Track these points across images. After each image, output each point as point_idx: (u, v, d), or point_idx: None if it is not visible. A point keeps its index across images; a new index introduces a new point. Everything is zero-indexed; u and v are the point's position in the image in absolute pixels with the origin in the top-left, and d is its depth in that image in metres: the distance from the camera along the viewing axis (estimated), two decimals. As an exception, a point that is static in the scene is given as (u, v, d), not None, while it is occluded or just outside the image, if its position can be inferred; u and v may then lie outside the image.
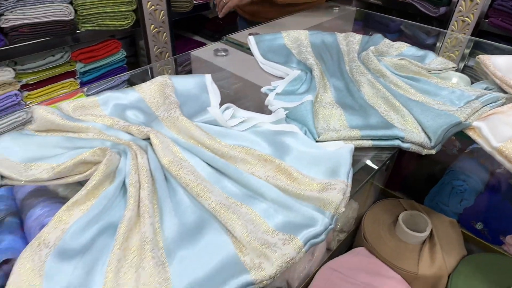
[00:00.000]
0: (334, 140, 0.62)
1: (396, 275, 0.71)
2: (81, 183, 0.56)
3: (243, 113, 0.67)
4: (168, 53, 1.60)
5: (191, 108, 0.67)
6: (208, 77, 0.76)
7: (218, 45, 0.98)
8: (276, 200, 0.48)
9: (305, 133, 0.64)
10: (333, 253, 0.77)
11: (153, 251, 0.41)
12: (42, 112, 0.58)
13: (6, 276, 0.44)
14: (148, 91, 0.70)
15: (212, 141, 0.56)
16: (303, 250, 0.42)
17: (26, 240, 0.51)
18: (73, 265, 0.40)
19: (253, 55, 0.92)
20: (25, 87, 1.34)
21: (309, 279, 0.66)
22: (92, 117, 0.61)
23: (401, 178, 1.02)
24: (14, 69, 1.27)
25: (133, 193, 0.47)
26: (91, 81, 1.53)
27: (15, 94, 1.29)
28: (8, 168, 0.51)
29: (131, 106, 0.66)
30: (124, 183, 0.50)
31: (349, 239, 0.85)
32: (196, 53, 0.93)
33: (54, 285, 0.38)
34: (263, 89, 0.77)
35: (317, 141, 0.61)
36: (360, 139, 0.62)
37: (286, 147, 0.58)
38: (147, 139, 0.57)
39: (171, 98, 0.65)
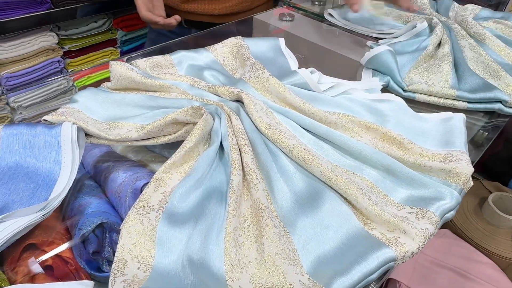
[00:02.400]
0: (425, 94, 0.60)
1: (489, 261, 0.66)
2: (146, 148, 0.52)
3: (328, 79, 0.61)
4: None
5: (271, 71, 0.62)
6: (281, 40, 0.70)
7: (281, 10, 0.91)
8: (392, 170, 0.43)
9: (388, 84, 0.59)
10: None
11: (272, 220, 0.36)
12: (121, 69, 0.53)
13: (99, 240, 0.40)
14: (222, 52, 0.65)
15: (307, 105, 0.50)
16: (439, 224, 0.37)
17: (111, 204, 0.47)
18: (186, 233, 0.36)
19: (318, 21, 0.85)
20: (67, 54, 1.30)
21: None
22: (170, 76, 0.56)
23: (483, 158, 0.96)
24: (57, 34, 1.22)
25: (235, 157, 0.42)
26: (131, 51, 1.48)
27: (58, 61, 1.25)
28: (93, 126, 0.46)
29: (206, 67, 0.61)
30: (220, 146, 0.45)
31: None
32: (259, 17, 0.87)
33: (167, 252, 0.34)
34: (369, 43, 0.75)
35: (405, 91, 0.60)
36: (454, 99, 0.58)
37: (386, 116, 0.52)
38: (236, 101, 0.52)
39: (252, 59, 0.60)
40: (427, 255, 0.62)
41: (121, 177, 0.48)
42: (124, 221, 0.36)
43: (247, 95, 0.50)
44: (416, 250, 0.34)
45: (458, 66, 0.65)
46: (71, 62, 1.30)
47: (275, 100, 0.53)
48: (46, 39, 1.19)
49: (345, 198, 0.40)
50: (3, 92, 1.17)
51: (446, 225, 0.75)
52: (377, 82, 0.59)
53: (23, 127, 0.44)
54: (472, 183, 0.42)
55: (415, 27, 0.75)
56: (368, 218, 0.38)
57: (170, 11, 0.87)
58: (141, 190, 0.42)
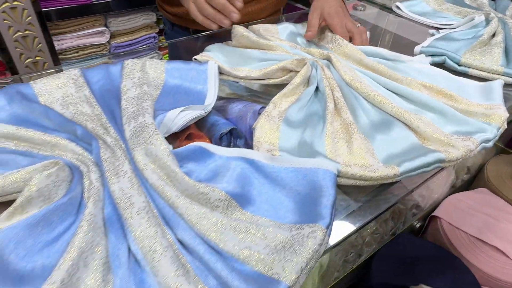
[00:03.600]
0: (477, 69, 0.73)
1: (520, 212, 0.77)
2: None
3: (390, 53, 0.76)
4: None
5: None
6: None
7: (354, 2, 1.07)
8: (444, 113, 0.58)
9: (444, 61, 0.73)
10: (454, 192, 0.86)
11: (357, 130, 0.52)
12: (241, 31, 0.71)
13: (228, 140, 0.58)
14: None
15: (378, 66, 0.66)
16: (478, 147, 0.52)
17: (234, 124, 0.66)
18: (299, 132, 0.53)
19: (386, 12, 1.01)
20: (160, 32, 1.53)
21: (436, 204, 0.76)
22: (275, 39, 0.74)
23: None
24: (156, 14, 1.46)
25: (329, 93, 0.59)
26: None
27: (154, 37, 1.48)
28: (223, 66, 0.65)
29: (300, 35, 0.78)
30: (317, 88, 0.62)
31: (468, 183, 0.92)
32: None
33: (287, 141, 0.51)
34: (430, 31, 0.90)
35: (459, 65, 0.73)
36: (502, 75, 0.70)
37: (438, 79, 0.67)
38: (326, 59, 0.68)
39: (330, 32, 0.76)
40: (466, 202, 0.74)
41: (240, 105, 0.66)
42: (256, 122, 0.54)
43: (334, 55, 0.66)
44: (460, 157, 0.49)
45: (508, 52, 0.77)
46: (162, 38, 1.53)
47: (353, 62, 0.69)
48: (147, 17, 1.42)
49: (408, 127, 0.55)
50: (109, 58, 1.42)
51: (485, 185, 0.87)
52: (425, 58, 0.73)
53: (180, 63, 0.64)
54: (506, 126, 0.56)
55: (473, 19, 0.88)
56: (426, 139, 0.53)
57: (179, 21, 0.95)
58: (259, 113, 0.60)
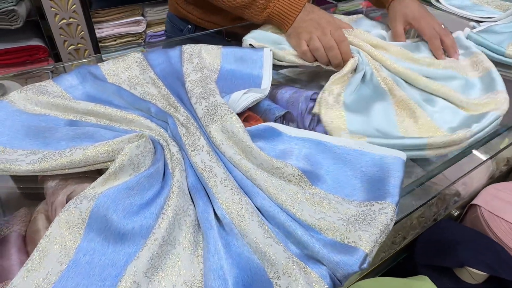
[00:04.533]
0: None
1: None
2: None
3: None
4: None
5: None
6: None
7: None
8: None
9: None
10: (492, 182, 0.87)
11: (417, 106, 0.55)
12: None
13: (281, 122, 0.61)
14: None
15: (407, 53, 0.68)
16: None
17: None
18: (363, 115, 0.55)
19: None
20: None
21: (474, 194, 0.77)
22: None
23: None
24: (190, 5, 1.49)
25: (379, 76, 0.61)
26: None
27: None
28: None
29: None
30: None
31: (506, 175, 0.93)
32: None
33: (354, 125, 0.53)
34: (471, 24, 0.90)
35: (504, 56, 0.75)
36: None
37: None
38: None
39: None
40: (505, 192, 0.76)
41: (289, 91, 0.69)
42: (315, 108, 0.56)
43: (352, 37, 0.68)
44: (504, 112, 0.52)
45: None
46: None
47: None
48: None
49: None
50: (143, 47, 1.46)
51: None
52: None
53: (236, 49, 0.67)
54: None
55: (515, 13, 0.89)
56: (469, 108, 0.56)
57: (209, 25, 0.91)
58: (311, 98, 0.63)
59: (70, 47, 1.21)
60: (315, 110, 0.56)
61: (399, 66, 0.62)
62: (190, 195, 0.40)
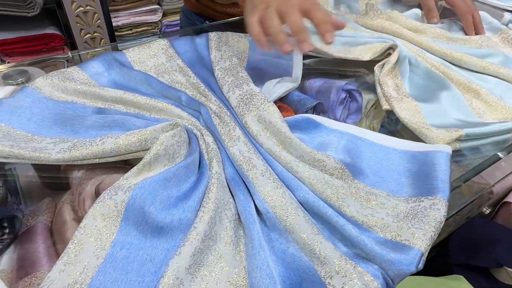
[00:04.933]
0: None
1: None
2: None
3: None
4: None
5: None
6: None
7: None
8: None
9: None
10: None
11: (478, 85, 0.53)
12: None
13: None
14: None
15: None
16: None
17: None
18: (436, 106, 0.53)
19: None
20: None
21: (508, 191, 0.75)
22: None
23: None
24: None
25: (429, 63, 0.58)
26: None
27: (203, 17, 1.49)
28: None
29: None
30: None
31: None
32: None
33: (433, 118, 0.51)
34: (506, 14, 0.84)
35: None
36: None
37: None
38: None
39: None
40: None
41: (318, 82, 0.66)
42: (386, 104, 0.53)
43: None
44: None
45: None
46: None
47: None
48: None
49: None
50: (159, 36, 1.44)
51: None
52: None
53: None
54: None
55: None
56: None
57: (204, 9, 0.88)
58: (343, 89, 0.60)
59: (86, 36, 1.19)
60: (385, 107, 0.53)
61: (444, 48, 0.60)
62: (229, 188, 0.38)
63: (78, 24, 1.16)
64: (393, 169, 0.42)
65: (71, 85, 0.48)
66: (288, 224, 0.33)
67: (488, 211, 0.77)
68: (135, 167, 0.38)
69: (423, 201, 0.37)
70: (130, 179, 0.37)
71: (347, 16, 0.73)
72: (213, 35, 0.63)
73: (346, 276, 0.29)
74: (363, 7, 0.76)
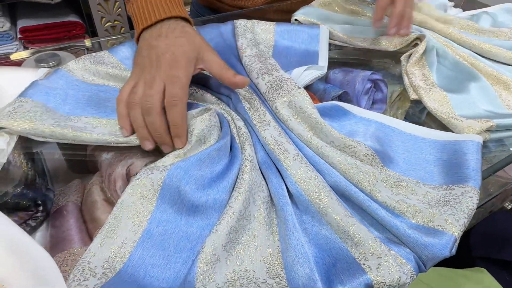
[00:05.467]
0: None
1: None
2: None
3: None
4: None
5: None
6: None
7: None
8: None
9: None
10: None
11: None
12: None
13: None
14: None
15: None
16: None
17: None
18: (464, 96, 0.53)
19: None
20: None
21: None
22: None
23: None
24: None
25: (456, 54, 0.58)
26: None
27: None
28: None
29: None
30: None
31: None
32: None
33: (461, 109, 0.50)
34: None
35: None
36: None
37: None
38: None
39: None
40: None
41: (343, 72, 0.66)
42: (413, 94, 0.53)
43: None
44: None
45: None
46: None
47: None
48: None
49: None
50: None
51: None
52: None
53: (290, 25, 0.64)
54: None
55: None
56: None
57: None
58: (369, 79, 0.60)
59: (107, 24, 1.20)
60: (413, 97, 0.53)
61: (473, 39, 0.59)
62: (260, 171, 0.39)
63: (99, 12, 1.17)
64: (422, 157, 0.42)
65: (102, 68, 0.49)
66: (321, 206, 0.34)
67: (510, 206, 0.76)
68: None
69: (454, 189, 0.37)
70: (164, 161, 0.38)
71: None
72: (239, 22, 0.63)
73: (381, 257, 0.30)
74: None
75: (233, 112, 0.45)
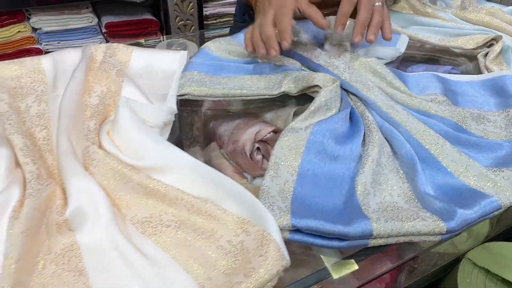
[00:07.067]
0: None
1: None
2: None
3: None
4: None
5: None
6: None
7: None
8: None
9: None
10: None
11: None
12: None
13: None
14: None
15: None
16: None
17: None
18: None
19: None
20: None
21: None
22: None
23: None
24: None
25: None
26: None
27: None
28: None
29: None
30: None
31: None
32: None
33: None
34: None
35: None
36: None
37: None
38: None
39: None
40: None
41: (420, 68, 0.73)
42: None
43: None
44: None
45: None
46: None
47: None
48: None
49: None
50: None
51: None
52: None
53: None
54: None
55: None
56: None
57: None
58: (448, 72, 0.67)
59: (180, 23, 1.32)
60: None
61: None
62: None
63: (175, 12, 1.28)
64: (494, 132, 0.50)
65: (234, 48, 0.59)
66: (441, 158, 0.42)
67: None
68: (301, 115, 0.48)
69: None
70: (299, 123, 0.47)
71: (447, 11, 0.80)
72: (327, 18, 0.72)
73: (496, 186, 0.38)
74: (458, 2, 0.83)
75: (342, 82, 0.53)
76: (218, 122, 0.60)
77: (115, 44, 0.58)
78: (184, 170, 0.38)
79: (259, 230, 0.32)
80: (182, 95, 0.52)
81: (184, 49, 0.66)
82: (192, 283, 0.30)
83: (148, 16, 1.36)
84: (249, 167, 0.52)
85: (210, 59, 0.57)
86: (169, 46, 0.64)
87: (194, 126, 0.63)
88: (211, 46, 0.59)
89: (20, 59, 0.54)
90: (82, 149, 0.39)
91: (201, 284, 0.30)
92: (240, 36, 0.64)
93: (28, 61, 0.54)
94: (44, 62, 0.54)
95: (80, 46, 0.56)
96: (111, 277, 0.30)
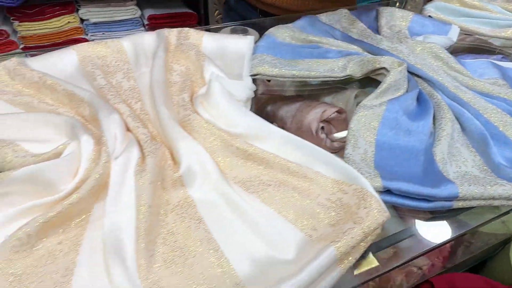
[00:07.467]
0: None
1: None
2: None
3: None
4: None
5: None
6: None
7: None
8: None
9: None
10: None
11: None
12: None
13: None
14: None
15: None
16: None
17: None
18: None
19: None
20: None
21: None
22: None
23: None
24: None
25: None
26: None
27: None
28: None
29: None
30: None
31: None
32: None
33: None
34: None
35: None
36: None
37: None
38: None
39: None
40: None
41: (471, 56, 0.76)
42: None
43: None
44: None
45: None
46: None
47: None
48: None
49: None
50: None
51: None
52: None
53: (424, 18, 0.75)
54: None
55: None
56: None
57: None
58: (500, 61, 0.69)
59: (218, 16, 1.36)
60: None
61: None
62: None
63: (214, 5, 1.33)
64: None
65: (298, 34, 0.62)
66: (509, 133, 0.45)
67: None
68: (372, 94, 0.51)
69: None
70: (371, 101, 0.50)
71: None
72: (382, 8, 0.75)
73: None
74: None
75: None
76: (277, 105, 0.64)
77: (186, 28, 0.62)
78: (275, 139, 0.41)
79: (356, 188, 0.35)
80: (255, 74, 0.55)
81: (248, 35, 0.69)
82: (299, 233, 0.34)
83: (185, 9, 1.40)
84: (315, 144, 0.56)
85: (276, 44, 0.60)
86: (232, 32, 0.68)
87: (251, 109, 0.67)
88: (275, 32, 0.62)
89: (102, 41, 0.58)
90: (181, 117, 0.43)
91: (307, 233, 0.34)
92: (300, 23, 0.68)
93: (109, 42, 0.58)
94: (125, 44, 0.58)
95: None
96: (227, 226, 0.34)
